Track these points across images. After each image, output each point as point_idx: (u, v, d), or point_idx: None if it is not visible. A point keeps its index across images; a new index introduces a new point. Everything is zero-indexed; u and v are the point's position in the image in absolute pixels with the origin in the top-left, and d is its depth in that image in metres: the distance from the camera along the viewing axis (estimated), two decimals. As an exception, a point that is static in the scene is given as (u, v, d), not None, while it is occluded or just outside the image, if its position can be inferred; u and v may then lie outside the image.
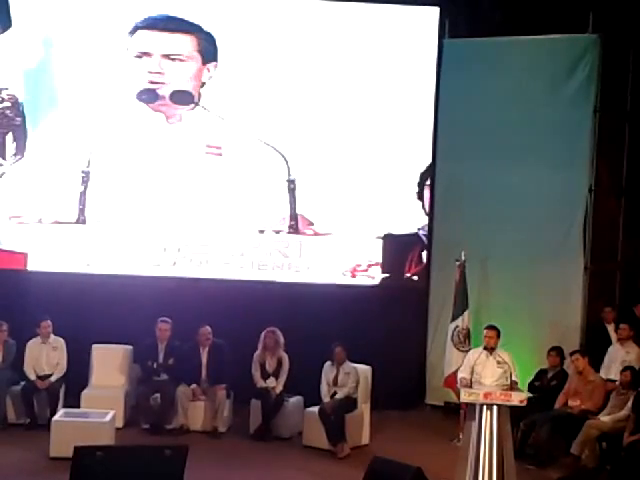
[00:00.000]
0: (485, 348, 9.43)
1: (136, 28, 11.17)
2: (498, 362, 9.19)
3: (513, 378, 9.08)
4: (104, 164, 11.28)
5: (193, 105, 11.26)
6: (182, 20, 11.22)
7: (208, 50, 11.24)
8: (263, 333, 10.53)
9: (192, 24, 11.21)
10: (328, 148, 11.37)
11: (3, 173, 11.24)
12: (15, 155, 11.26)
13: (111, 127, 11.28)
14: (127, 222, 11.31)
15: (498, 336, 9.47)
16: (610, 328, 10.81)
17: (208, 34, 11.22)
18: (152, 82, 11.17)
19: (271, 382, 10.42)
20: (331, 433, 9.92)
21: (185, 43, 11.21)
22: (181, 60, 11.20)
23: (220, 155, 11.32)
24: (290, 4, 11.40)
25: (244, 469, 9.33)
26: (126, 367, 10.90)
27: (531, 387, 10.21)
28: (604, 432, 9.33)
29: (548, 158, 11.31)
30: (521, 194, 11.39)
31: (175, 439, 9.87)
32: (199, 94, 11.28)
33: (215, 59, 11.27)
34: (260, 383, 10.41)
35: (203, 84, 11.29)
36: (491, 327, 9.55)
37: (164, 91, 11.21)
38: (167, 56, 11.18)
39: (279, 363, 10.48)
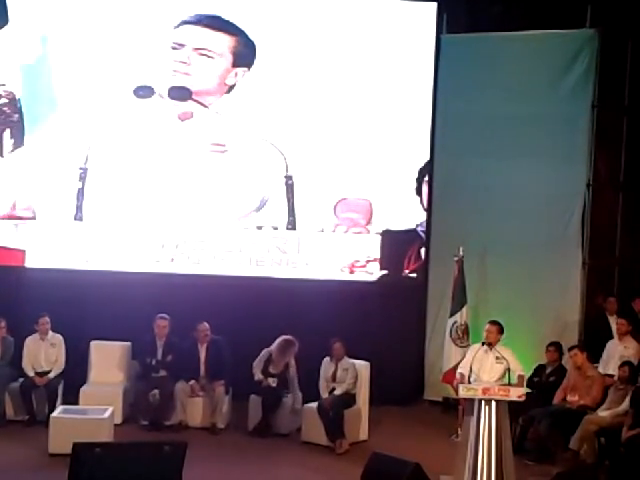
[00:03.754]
0: (484, 343, 9.42)
1: (182, 22, 11.18)
2: (497, 358, 9.17)
3: (519, 373, 9.06)
4: (102, 161, 11.27)
5: (189, 100, 11.27)
6: (225, 21, 11.21)
7: (242, 54, 11.21)
8: (282, 341, 10.36)
9: (235, 27, 11.20)
10: (326, 144, 11.35)
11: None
12: (12, 152, 11.25)
13: (108, 124, 11.26)
14: (125, 219, 11.29)
15: (500, 332, 9.42)
16: (612, 320, 10.78)
17: (249, 40, 11.20)
18: (177, 72, 11.15)
19: (272, 381, 10.39)
20: (330, 429, 9.92)
21: (220, 41, 11.19)
22: (209, 56, 11.18)
23: (220, 152, 11.31)
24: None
25: (243, 465, 9.33)
26: (125, 364, 10.89)
27: (530, 382, 10.19)
28: (603, 427, 9.33)
29: (546, 153, 11.31)
30: (519, 189, 11.39)
31: (174, 435, 9.89)
32: (220, 96, 11.25)
33: (246, 65, 11.24)
34: (258, 375, 10.36)
35: (230, 88, 11.25)
36: (493, 322, 9.52)
37: (162, 88, 11.20)
38: (197, 49, 11.18)
39: (286, 367, 10.43)
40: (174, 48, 11.20)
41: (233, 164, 11.34)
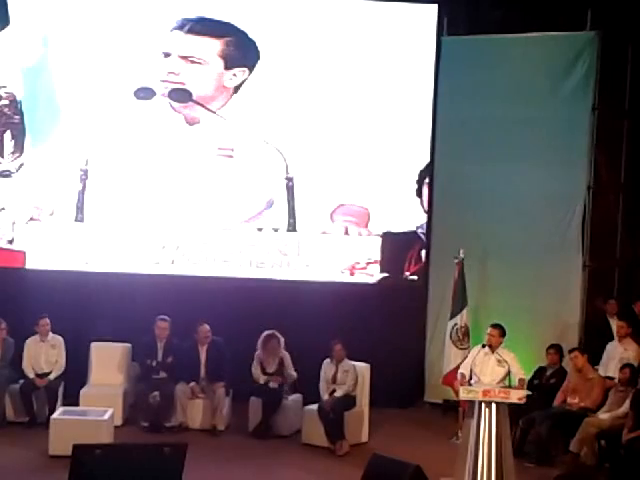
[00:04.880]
0: (484, 345, 9.41)
1: (171, 29, 11.14)
2: (498, 361, 9.16)
3: (520, 377, 9.04)
4: (102, 162, 11.27)
5: (191, 103, 11.27)
6: (213, 23, 11.15)
7: (236, 55, 11.18)
8: (262, 337, 10.48)
9: (225, 28, 11.14)
10: (326, 145, 11.36)
11: (3, 171, 11.24)
12: (13, 153, 11.25)
13: (109, 126, 11.26)
14: (125, 220, 11.29)
15: (502, 335, 9.40)
16: (613, 322, 10.77)
17: (247, 40, 11.16)
18: (166, 82, 11.13)
19: (272, 385, 10.38)
20: (330, 431, 9.92)
21: (207, 47, 11.16)
22: (198, 63, 11.16)
23: (227, 157, 11.30)
24: (288, 1, 11.39)
25: (243, 467, 9.33)
26: (125, 365, 10.89)
27: (530, 385, 10.19)
28: (603, 430, 9.33)
29: (546, 156, 11.31)
30: (520, 192, 11.39)
31: (174, 437, 9.88)
32: (227, 99, 11.25)
33: (244, 66, 11.21)
34: (262, 378, 10.37)
35: (236, 89, 11.25)
36: (495, 326, 9.51)
37: (163, 89, 11.20)
38: (185, 58, 11.17)
39: (280, 363, 10.46)
40: (164, 56, 11.19)
41: (234, 166, 11.34)
